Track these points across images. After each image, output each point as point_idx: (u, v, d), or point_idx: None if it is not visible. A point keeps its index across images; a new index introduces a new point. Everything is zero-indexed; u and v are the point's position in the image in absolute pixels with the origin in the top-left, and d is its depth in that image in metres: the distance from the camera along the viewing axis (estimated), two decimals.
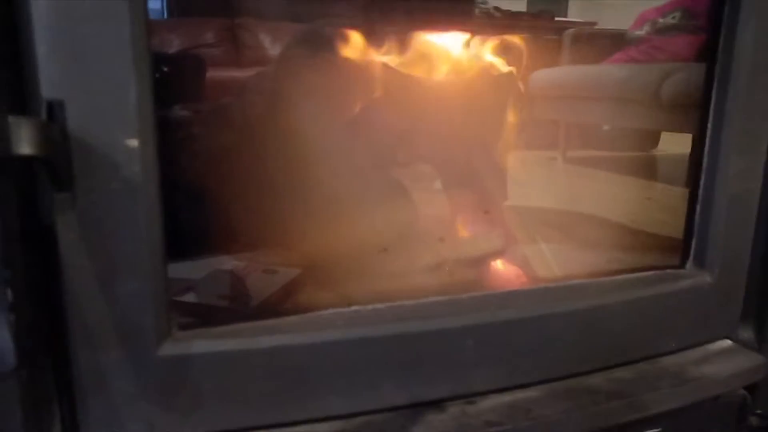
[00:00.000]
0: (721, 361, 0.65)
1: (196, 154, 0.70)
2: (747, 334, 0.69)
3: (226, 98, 0.78)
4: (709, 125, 0.64)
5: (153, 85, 0.44)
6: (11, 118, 0.36)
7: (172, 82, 0.71)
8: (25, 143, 0.37)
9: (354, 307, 0.55)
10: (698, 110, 0.65)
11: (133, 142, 0.43)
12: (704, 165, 0.64)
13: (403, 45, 0.79)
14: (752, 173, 0.64)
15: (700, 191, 0.65)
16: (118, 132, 0.43)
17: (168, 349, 0.47)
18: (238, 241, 0.71)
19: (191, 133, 0.73)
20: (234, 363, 0.49)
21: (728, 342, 0.69)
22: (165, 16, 0.87)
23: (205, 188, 0.67)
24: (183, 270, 0.64)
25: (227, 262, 0.71)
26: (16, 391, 0.42)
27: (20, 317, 0.35)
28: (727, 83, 0.62)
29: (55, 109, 0.41)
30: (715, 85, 0.63)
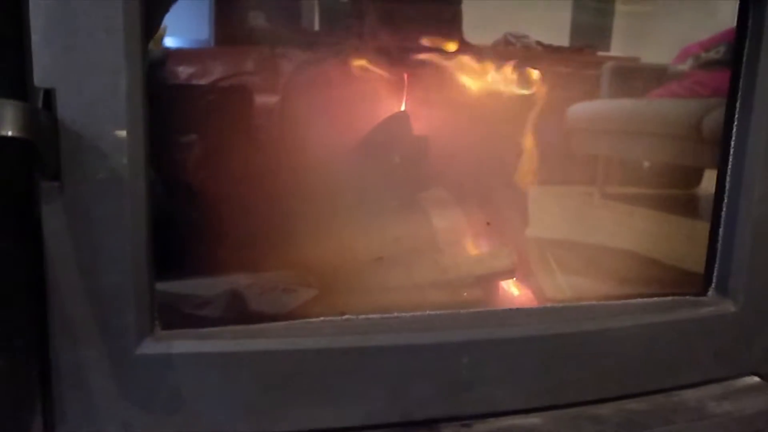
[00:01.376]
0: (745, 398, 0.60)
1: (213, 175, 0.71)
2: None
3: (243, 122, 0.78)
4: (732, 145, 0.61)
5: (144, 77, 0.44)
6: None
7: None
8: (8, 125, 0.37)
9: (346, 316, 0.53)
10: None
11: (122, 133, 0.43)
12: (727, 186, 0.61)
13: (428, 69, 0.78)
14: None
15: (723, 213, 0.61)
16: (108, 122, 0.43)
17: (148, 347, 0.46)
18: (250, 258, 0.70)
19: (210, 156, 0.74)
20: (215, 366, 0.48)
21: (755, 378, 0.63)
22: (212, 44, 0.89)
23: (218, 205, 0.67)
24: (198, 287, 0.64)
25: (243, 280, 0.70)
26: None
27: None
28: (752, 101, 0.59)
29: (46, 97, 0.41)
30: (738, 105, 0.60)
